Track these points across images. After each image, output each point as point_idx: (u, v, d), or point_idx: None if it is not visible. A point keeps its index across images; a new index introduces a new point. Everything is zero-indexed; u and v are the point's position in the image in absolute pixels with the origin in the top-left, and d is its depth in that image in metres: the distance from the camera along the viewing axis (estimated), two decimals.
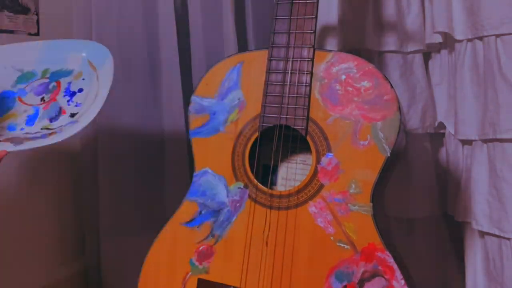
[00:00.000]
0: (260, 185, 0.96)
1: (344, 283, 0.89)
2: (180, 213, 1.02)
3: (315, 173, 0.93)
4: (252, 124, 0.98)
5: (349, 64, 0.92)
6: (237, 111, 0.99)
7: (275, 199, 0.95)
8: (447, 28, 1.17)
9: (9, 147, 0.88)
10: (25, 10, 1.34)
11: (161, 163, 1.46)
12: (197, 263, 0.99)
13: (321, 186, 0.92)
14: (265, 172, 1.00)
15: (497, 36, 1.07)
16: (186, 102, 1.35)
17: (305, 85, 0.93)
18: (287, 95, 0.95)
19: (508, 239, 1.08)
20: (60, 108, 0.95)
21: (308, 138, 0.93)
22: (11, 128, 0.94)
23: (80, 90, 0.96)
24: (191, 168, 1.03)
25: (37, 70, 1.01)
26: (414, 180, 1.27)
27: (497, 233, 1.10)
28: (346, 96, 0.91)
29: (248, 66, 0.99)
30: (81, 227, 1.50)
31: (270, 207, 0.95)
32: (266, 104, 0.96)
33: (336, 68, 0.92)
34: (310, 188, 0.93)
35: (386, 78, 0.89)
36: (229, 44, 1.39)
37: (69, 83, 0.98)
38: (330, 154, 0.92)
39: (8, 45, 1.07)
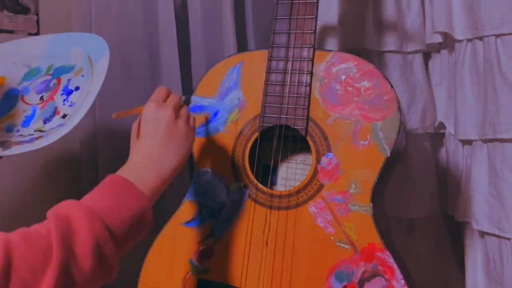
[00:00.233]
0: (260, 185, 0.97)
1: (344, 283, 0.89)
2: (180, 213, 1.02)
3: (315, 173, 0.93)
4: (252, 124, 0.98)
5: (349, 64, 0.92)
6: (237, 111, 0.99)
7: (275, 199, 0.95)
8: (447, 28, 1.17)
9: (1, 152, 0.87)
10: (25, 10, 1.34)
11: None
12: (197, 263, 0.99)
13: (321, 186, 0.92)
14: (265, 172, 1.00)
15: (497, 36, 1.07)
16: (186, 102, 1.35)
17: (305, 85, 0.94)
18: (287, 95, 0.95)
19: (508, 239, 1.08)
20: (55, 108, 0.93)
21: (308, 138, 0.93)
22: (9, 129, 0.92)
23: (77, 89, 0.94)
24: (191, 168, 1.03)
25: (43, 66, 0.99)
26: (414, 180, 1.27)
27: (497, 233, 1.10)
28: (346, 96, 0.91)
29: (248, 66, 0.99)
30: None
31: (270, 207, 0.95)
32: (266, 104, 0.96)
33: (336, 68, 0.92)
34: (310, 188, 0.93)
35: (386, 78, 0.89)
36: (229, 44, 1.39)
37: (69, 80, 0.96)
38: (330, 154, 0.92)
39: (20, 39, 1.06)
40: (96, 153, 1.44)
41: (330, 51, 0.94)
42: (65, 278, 0.61)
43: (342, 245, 0.90)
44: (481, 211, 1.12)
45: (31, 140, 0.87)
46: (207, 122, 1.01)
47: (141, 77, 1.43)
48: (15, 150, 0.87)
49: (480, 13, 1.09)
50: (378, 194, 0.91)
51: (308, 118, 0.93)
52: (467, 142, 1.19)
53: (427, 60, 1.30)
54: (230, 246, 0.98)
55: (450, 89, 1.24)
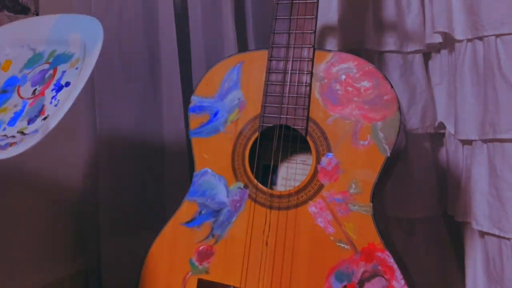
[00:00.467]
0: (260, 185, 0.97)
1: (344, 283, 0.89)
2: (180, 213, 1.02)
3: (315, 173, 0.93)
4: (252, 124, 0.98)
5: (349, 64, 0.92)
6: (237, 111, 0.99)
7: (275, 199, 0.95)
8: (447, 28, 1.17)
9: None
10: (25, 10, 1.34)
11: (160, 163, 1.46)
12: (197, 263, 0.99)
13: (321, 186, 0.92)
14: (265, 172, 1.00)
15: (497, 36, 1.07)
16: (186, 102, 1.35)
17: (305, 85, 0.94)
18: (287, 95, 0.95)
19: (508, 239, 1.08)
20: (42, 107, 0.87)
21: (308, 138, 0.93)
22: None
23: (67, 84, 0.87)
24: (191, 168, 1.03)
25: (46, 51, 0.94)
26: (414, 180, 1.27)
27: (497, 233, 1.10)
28: (346, 96, 0.91)
29: (248, 66, 0.99)
30: (81, 227, 1.50)
31: (270, 207, 0.95)
32: (266, 104, 0.96)
33: (336, 68, 0.92)
34: (310, 188, 0.93)
35: (386, 78, 0.89)
36: (229, 44, 1.39)
37: (63, 72, 0.89)
38: (330, 154, 0.92)
39: (28, 19, 1.00)
40: (95, 152, 1.45)
41: (330, 51, 0.94)
42: None
43: (342, 245, 0.90)
44: (481, 211, 1.12)
45: (5, 146, 0.82)
46: (208, 121, 1.01)
47: (141, 77, 1.43)
48: None
49: (480, 13, 1.09)
50: (378, 194, 0.91)
51: (308, 118, 0.93)
52: (467, 142, 1.19)
53: (427, 60, 1.30)
54: (230, 246, 0.98)
55: (450, 89, 1.24)
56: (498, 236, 1.10)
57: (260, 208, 0.96)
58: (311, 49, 0.94)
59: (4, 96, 0.91)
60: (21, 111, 0.88)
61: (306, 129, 0.93)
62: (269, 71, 0.96)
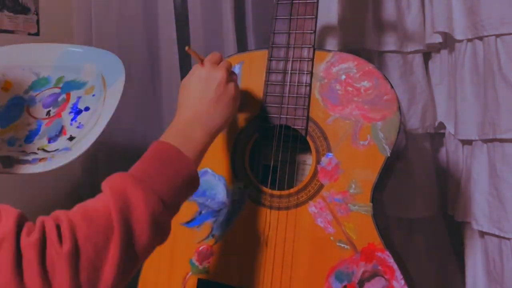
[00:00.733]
0: (260, 185, 0.97)
1: (344, 283, 0.89)
2: (180, 213, 1.01)
3: (315, 173, 0.93)
4: (252, 124, 0.98)
5: (349, 64, 0.92)
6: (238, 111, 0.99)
7: (275, 199, 0.95)
8: (447, 28, 1.17)
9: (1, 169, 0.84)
10: (25, 10, 1.34)
11: None
12: (197, 263, 0.99)
13: (321, 186, 0.92)
14: (265, 172, 1.00)
15: (497, 36, 1.07)
16: None
17: (305, 85, 0.94)
18: (287, 95, 0.95)
19: (508, 239, 1.08)
20: (62, 127, 0.89)
21: (308, 138, 0.93)
22: (10, 142, 0.89)
23: (87, 109, 0.91)
24: None
25: (52, 76, 0.96)
26: (414, 180, 1.27)
27: (497, 233, 1.09)
28: (346, 96, 0.91)
29: (248, 66, 0.99)
30: None
31: (270, 207, 0.95)
32: (266, 104, 0.96)
33: (336, 68, 0.92)
34: (310, 188, 0.93)
35: (386, 78, 0.89)
36: (229, 44, 1.39)
37: (79, 97, 0.92)
38: (330, 154, 0.92)
39: (30, 44, 1.02)
40: (95, 153, 1.45)
41: (330, 51, 0.94)
42: (127, 253, 0.64)
43: (342, 245, 0.90)
44: (481, 211, 1.12)
45: (34, 161, 0.85)
46: None
47: (141, 77, 1.43)
48: (16, 169, 0.84)
49: (480, 13, 1.08)
50: (378, 194, 0.91)
51: (308, 118, 0.93)
52: (467, 142, 1.19)
53: (427, 60, 1.30)
54: (230, 246, 0.98)
55: (450, 89, 1.24)
56: (498, 236, 1.10)
57: (260, 208, 0.96)
58: (311, 49, 0.94)
59: (12, 114, 0.92)
60: (37, 130, 0.90)
61: (306, 129, 0.93)
62: (269, 71, 0.96)
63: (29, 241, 0.59)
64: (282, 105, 0.95)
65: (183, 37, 1.43)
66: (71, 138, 0.88)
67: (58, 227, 0.62)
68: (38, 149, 0.87)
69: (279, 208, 0.95)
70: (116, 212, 0.64)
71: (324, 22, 1.25)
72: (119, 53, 1.38)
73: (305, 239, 0.92)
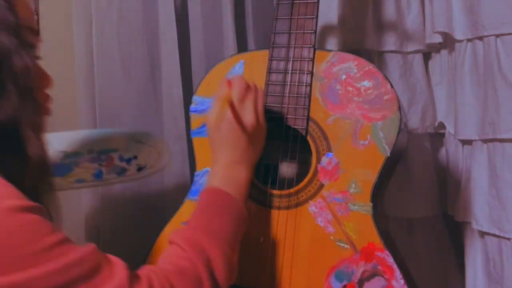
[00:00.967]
0: (260, 185, 0.97)
1: (344, 283, 0.89)
2: (181, 213, 1.02)
3: (315, 173, 0.93)
4: None
5: (350, 64, 0.92)
6: None
7: (275, 199, 0.95)
8: (447, 28, 1.17)
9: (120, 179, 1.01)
10: None
11: None
12: None
13: (321, 186, 0.92)
14: (265, 172, 1.00)
15: (497, 36, 1.07)
16: (186, 102, 1.35)
17: (306, 85, 0.94)
18: (287, 95, 0.95)
19: (508, 239, 1.08)
20: (123, 168, 1.00)
21: (308, 138, 0.94)
22: (79, 181, 0.98)
23: (135, 157, 1.03)
24: (192, 167, 1.03)
25: (81, 150, 1.03)
26: (414, 180, 1.27)
27: (497, 233, 1.10)
28: (346, 96, 0.91)
29: (249, 66, 0.99)
30: (81, 227, 1.49)
31: (270, 207, 0.95)
32: (266, 104, 0.96)
33: (337, 68, 0.92)
34: (310, 187, 0.93)
35: (386, 78, 0.90)
36: (229, 44, 1.39)
37: (120, 155, 1.03)
38: (330, 153, 0.92)
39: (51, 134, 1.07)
40: None
41: (330, 51, 0.94)
42: None
43: (342, 244, 0.90)
44: (481, 211, 1.12)
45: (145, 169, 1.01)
46: None
47: (141, 77, 1.43)
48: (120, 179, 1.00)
49: (480, 13, 1.09)
50: (378, 194, 0.91)
51: (308, 118, 0.93)
52: (467, 142, 1.19)
53: (427, 60, 1.30)
54: None
55: (450, 89, 1.24)
56: (498, 236, 1.10)
57: (260, 207, 0.96)
58: (312, 49, 0.94)
59: (64, 170, 0.99)
60: (100, 172, 1.01)
61: (307, 129, 0.93)
62: (269, 71, 0.96)
63: None
64: (283, 105, 0.95)
65: (183, 37, 1.43)
66: (139, 169, 1.03)
67: (161, 282, 0.69)
68: (113, 177, 1.02)
69: (279, 208, 0.95)
70: (203, 268, 0.73)
71: (324, 22, 1.26)
72: (119, 53, 1.39)
73: (305, 239, 0.92)
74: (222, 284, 0.75)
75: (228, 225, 0.82)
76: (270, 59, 0.96)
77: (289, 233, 0.93)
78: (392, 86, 0.89)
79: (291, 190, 0.94)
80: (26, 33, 0.71)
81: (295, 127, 0.94)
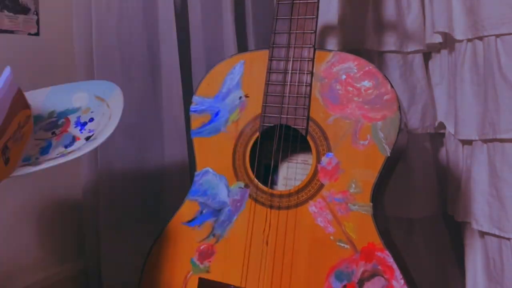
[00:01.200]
0: (260, 185, 0.97)
1: (344, 283, 0.89)
2: (181, 212, 1.02)
3: (315, 173, 0.93)
4: (253, 124, 0.98)
5: (350, 64, 0.92)
6: (238, 111, 0.99)
7: (275, 199, 0.95)
8: (447, 28, 1.17)
9: (29, 169, 0.86)
10: (25, 10, 1.34)
11: (161, 163, 1.46)
12: (198, 263, 1.00)
13: (321, 186, 0.92)
14: (266, 172, 1.00)
15: (497, 36, 1.07)
16: (186, 102, 1.35)
17: (306, 85, 0.94)
18: (287, 95, 0.95)
19: (508, 239, 1.08)
20: (74, 137, 0.92)
21: (309, 138, 0.94)
22: (25, 159, 0.91)
23: (91, 120, 0.94)
24: (192, 167, 1.03)
25: (43, 113, 0.98)
26: (414, 180, 1.27)
27: (497, 233, 1.10)
28: (346, 96, 0.91)
29: (249, 66, 1.00)
30: (81, 227, 1.49)
31: (271, 207, 0.95)
32: (266, 104, 0.96)
33: (337, 68, 0.92)
34: (310, 187, 0.93)
35: (387, 78, 0.90)
36: (229, 44, 1.39)
37: (78, 117, 0.95)
38: (330, 153, 0.92)
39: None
40: (95, 153, 1.44)
41: (330, 51, 0.95)
42: None
43: (342, 244, 0.90)
44: (481, 211, 1.12)
45: (62, 156, 0.88)
46: (209, 121, 1.01)
47: (141, 77, 1.43)
48: (47, 164, 0.87)
49: (480, 13, 1.09)
50: (378, 194, 0.91)
51: (308, 118, 0.93)
52: (467, 142, 1.19)
53: (427, 60, 1.30)
54: (231, 245, 0.98)
55: (450, 89, 1.24)
56: (498, 236, 1.10)
57: (260, 207, 0.96)
58: (312, 49, 0.94)
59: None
60: (49, 145, 0.92)
61: (307, 129, 0.93)
62: (269, 71, 0.96)
63: None
64: (283, 105, 0.95)
65: (183, 37, 1.43)
66: (87, 138, 0.91)
67: None
68: (57, 154, 0.90)
69: (279, 208, 0.95)
70: None
71: (324, 22, 1.26)
72: (119, 53, 1.39)
73: (305, 239, 0.93)
74: None
75: None
76: (270, 59, 0.96)
77: (289, 233, 0.93)
78: (392, 86, 0.89)
79: (291, 190, 0.94)
80: None
81: (295, 127, 0.94)
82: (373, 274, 0.88)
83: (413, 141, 1.26)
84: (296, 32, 0.95)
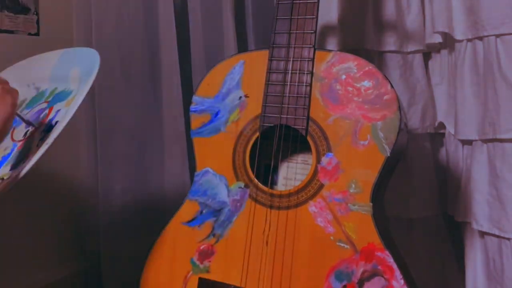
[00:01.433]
0: (260, 185, 0.97)
1: (344, 283, 0.89)
2: (181, 212, 1.02)
3: (315, 173, 0.93)
4: (252, 124, 0.98)
5: (350, 64, 0.92)
6: (238, 111, 0.99)
7: (275, 199, 0.95)
8: (447, 28, 1.17)
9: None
10: (25, 10, 1.34)
11: (161, 163, 1.46)
12: (198, 262, 1.00)
13: (321, 186, 0.92)
14: (266, 172, 1.00)
15: (497, 36, 1.07)
16: (186, 102, 1.35)
17: (306, 85, 0.94)
18: (287, 95, 0.95)
19: (508, 239, 1.08)
20: (29, 150, 0.81)
21: (309, 138, 0.94)
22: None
23: (56, 123, 0.82)
24: (192, 167, 1.03)
25: (48, 90, 0.90)
26: (414, 180, 1.27)
27: (497, 233, 1.10)
28: (346, 96, 0.91)
29: (249, 66, 1.00)
30: (81, 227, 1.50)
31: (271, 207, 0.95)
32: (266, 104, 0.96)
33: (337, 68, 0.92)
34: (310, 187, 0.93)
35: (386, 78, 0.90)
36: (229, 44, 1.39)
37: (58, 111, 0.85)
38: (330, 154, 0.92)
39: (34, 57, 0.99)
40: (95, 153, 1.45)
41: (330, 51, 0.94)
42: None
43: (342, 244, 0.90)
44: (481, 211, 1.12)
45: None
46: (209, 121, 1.01)
47: (141, 77, 1.43)
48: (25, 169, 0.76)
49: (480, 13, 1.09)
50: (378, 194, 0.91)
51: (308, 118, 0.93)
52: (467, 142, 1.19)
53: (427, 60, 1.30)
54: (231, 245, 0.98)
55: (450, 89, 1.24)
56: (498, 236, 1.10)
57: (260, 207, 0.96)
58: (312, 49, 0.94)
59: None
60: (9, 155, 0.84)
61: (307, 129, 0.93)
62: (269, 71, 0.96)
63: None
64: (283, 105, 0.95)
65: (183, 37, 1.43)
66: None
67: None
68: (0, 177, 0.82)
69: (279, 208, 0.95)
70: None
71: (324, 22, 1.26)
72: (119, 53, 1.40)
73: (305, 239, 0.92)
74: None
75: None
76: (270, 59, 0.96)
77: (289, 233, 0.93)
78: (392, 86, 0.89)
79: (291, 190, 0.94)
80: None
81: (295, 127, 0.94)
82: (373, 274, 0.88)
83: (413, 141, 1.26)
84: (296, 32, 0.95)
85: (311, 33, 0.94)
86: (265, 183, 0.97)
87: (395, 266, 0.87)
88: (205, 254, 0.99)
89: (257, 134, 0.98)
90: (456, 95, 1.18)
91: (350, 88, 0.91)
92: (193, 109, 1.03)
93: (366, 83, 0.90)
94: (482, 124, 1.12)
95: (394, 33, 1.25)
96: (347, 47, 1.26)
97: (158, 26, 1.42)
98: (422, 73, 1.28)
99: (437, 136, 1.31)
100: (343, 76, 0.92)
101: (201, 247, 1.00)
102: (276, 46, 0.96)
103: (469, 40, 1.13)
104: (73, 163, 1.48)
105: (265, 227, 0.95)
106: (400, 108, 0.89)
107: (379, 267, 0.87)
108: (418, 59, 1.27)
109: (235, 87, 0.99)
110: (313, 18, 0.94)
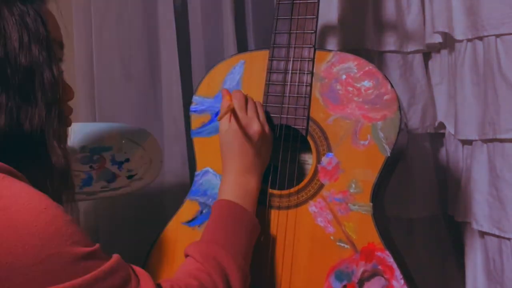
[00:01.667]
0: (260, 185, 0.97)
1: (344, 283, 0.89)
2: (181, 212, 1.02)
3: (315, 173, 0.93)
4: None
5: (350, 64, 0.92)
6: None
7: (275, 199, 0.95)
8: (447, 28, 1.17)
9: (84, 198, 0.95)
10: None
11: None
12: None
13: (321, 186, 0.92)
14: (266, 172, 1.00)
15: (497, 36, 1.07)
16: (186, 102, 1.35)
17: (306, 85, 0.94)
18: (287, 95, 0.95)
19: (508, 239, 1.08)
20: (114, 174, 0.98)
21: (309, 138, 0.94)
22: None
23: (127, 160, 1.01)
24: (192, 167, 1.03)
25: (75, 146, 1.01)
26: (414, 180, 1.27)
27: (497, 233, 1.10)
28: (346, 96, 0.91)
29: (249, 66, 1.00)
30: (80, 227, 1.49)
31: (271, 207, 0.95)
32: (267, 104, 0.96)
33: (337, 68, 0.92)
34: (311, 187, 0.93)
35: (387, 78, 0.90)
36: (229, 44, 1.39)
37: (113, 155, 1.01)
38: (330, 153, 0.92)
39: None
40: None
41: (330, 51, 0.95)
42: None
43: (342, 244, 0.90)
44: (481, 211, 1.12)
45: (113, 190, 0.98)
46: (209, 121, 1.01)
47: (141, 77, 1.43)
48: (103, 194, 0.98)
49: (480, 13, 1.09)
50: (378, 194, 0.91)
51: (308, 118, 0.93)
52: (467, 142, 1.19)
53: (427, 60, 1.30)
54: None
55: (450, 89, 1.24)
56: (498, 236, 1.10)
57: (260, 207, 0.96)
58: (312, 49, 0.94)
59: None
60: (89, 178, 0.99)
61: (307, 129, 0.93)
62: (270, 71, 0.96)
63: None
64: (283, 105, 0.95)
65: (183, 37, 1.43)
66: (129, 177, 1.00)
67: None
68: (101, 188, 0.99)
69: (279, 208, 0.95)
70: (220, 281, 0.77)
71: (324, 22, 1.26)
72: (119, 53, 1.39)
73: (305, 239, 0.92)
74: None
75: (242, 237, 0.86)
76: (270, 59, 0.96)
77: (289, 233, 0.93)
78: (392, 86, 0.89)
79: (291, 190, 0.94)
80: (55, 47, 0.73)
81: (295, 127, 0.94)
82: (373, 274, 0.88)
83: (413, 141, 1.26)
84: (296, 32, 0.95)
85: (311, 33, 0.94)
86: (265, 183, 0.97)
87: (395, 266, 0.87)
88: None
89: None
90: (456, 95, 1.18)
91: (350, 88, 0.91)
92: (193, 109, 1.03)
93: (366, 83, 0.90)
94: (482, 124, 1.12)
95: (394, 33, 1.25)
96: (347, 47, 1.26)
97: (158, 27, 1.42)
98: (422, 73, 1.28)
99: (437, 136, 1.31)
100: (343, 76, 0.92)
101: None
102: (277, 46, 0.96)
103: (469, 40, 1.13)
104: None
105: (265, 227, 0.95)
106: (400, 108, 0.89)
107: (379, 267, 0.87)
108: (418, 59, 1.27)
109: (235, 87, 0.99)
110: (313, 18, 0.94)
